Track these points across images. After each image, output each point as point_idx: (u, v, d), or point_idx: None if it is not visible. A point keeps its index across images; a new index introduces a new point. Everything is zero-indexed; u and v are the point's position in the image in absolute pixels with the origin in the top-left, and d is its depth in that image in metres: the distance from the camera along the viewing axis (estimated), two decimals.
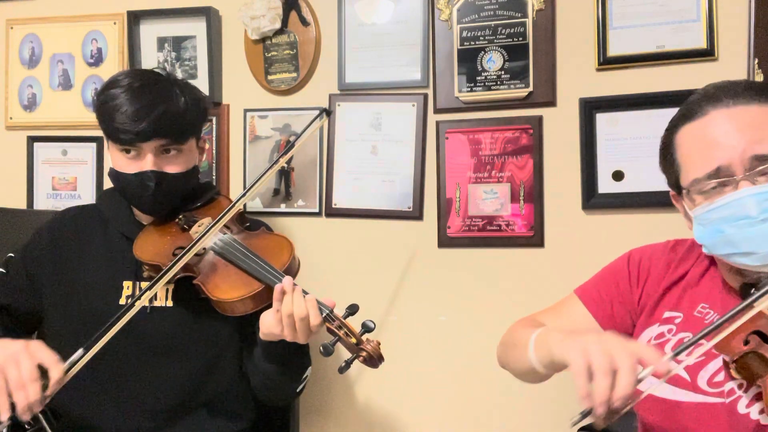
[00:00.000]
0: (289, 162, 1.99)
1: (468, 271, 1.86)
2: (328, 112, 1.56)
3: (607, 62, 1.75)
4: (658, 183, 1.66)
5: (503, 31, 1.81)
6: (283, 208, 2.00)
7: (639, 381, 0.93)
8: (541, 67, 1.79)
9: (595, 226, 1.77)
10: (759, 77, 1.63)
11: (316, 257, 1.95)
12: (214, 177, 2.03)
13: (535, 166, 1.80)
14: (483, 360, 1.77)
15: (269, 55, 1.99)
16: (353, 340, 1.24)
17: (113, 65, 2.12)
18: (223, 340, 1.50)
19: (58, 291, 1.51)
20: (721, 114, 1.07)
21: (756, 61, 1.63)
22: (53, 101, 2.19)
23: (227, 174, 2.04)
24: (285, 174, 1.99)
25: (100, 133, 2.05)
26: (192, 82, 1.98)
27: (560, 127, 1.79)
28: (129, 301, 1.47)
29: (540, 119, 1.80)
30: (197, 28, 2.03)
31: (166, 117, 1.42)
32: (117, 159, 1.47)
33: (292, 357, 1.40)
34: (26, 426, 1.61)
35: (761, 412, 1.03)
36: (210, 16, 2.01)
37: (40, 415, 1.58)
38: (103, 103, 1.45)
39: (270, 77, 1.99)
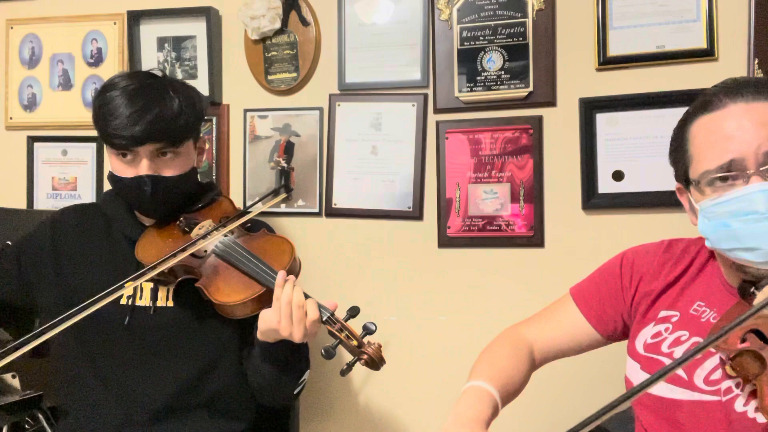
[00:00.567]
0: (289, 162, 1.99)
1: (468, 271, 1.86)
2: (288, 189, 1.60)
3: (607, 62, 1.75)
4: (658, 183, 1.69)
5: (503, 31, 1.81)
6: (283, 208, 2.00)
7: None
8: (541, 67, 1.79)
9: (595, 226, 1.77)
10: (759, 77, 1.63)
11: (316, 257, 1.95)
12: (214, 177, 2.03)
13: (535, 166, 1.80)
14: None
15: (269, 55, 1.99)
16: (354, 343, 1.24)
17: (113, 65, 2.12)
18: (223, 340, 1.49)
19: (58, 288, 1.50)
20: (739, 108, 1.06)
21: (756, 61, 1.63)
22: (53, 101, 2.19)
23: (227, 174, 2.04)
24: (285, 174, 1.99)
25: None
26: (192, 82, 1.99)
27: (560, 127, 1.79)
28: (130, 301, 1.48)
29: (540, 119, 1.80)
30: (197, 28, 2.03)
31: (160, 121, 1.41)
32: (114, 163, 1.46)
33: (290, 359, 1.40)
34: (26, 426, 1.61)
35: (757, 410, 1.03)
36: (210, 16, 2.01)
37: (40, 415, 1.59)
38: (99, 107, 1.45)
39: (270, 77, 1.99)
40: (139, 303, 1.47)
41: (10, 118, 2.22)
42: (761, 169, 1.03)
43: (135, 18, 2.08)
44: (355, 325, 1.27)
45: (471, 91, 1.83)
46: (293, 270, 1.41)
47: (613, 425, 1.50)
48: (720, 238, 1.08)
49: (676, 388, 1.11)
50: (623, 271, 1.26)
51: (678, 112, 1.20)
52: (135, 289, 1.49)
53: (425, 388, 1.90)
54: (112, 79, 1.49)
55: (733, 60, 1.66)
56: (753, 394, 1.03)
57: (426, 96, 1.88)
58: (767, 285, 1.00)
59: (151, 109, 1.40)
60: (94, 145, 2.14)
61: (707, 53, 1.68)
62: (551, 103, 1.80)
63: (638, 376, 1.18)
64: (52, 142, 2.18)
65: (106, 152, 1.51)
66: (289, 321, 1.26)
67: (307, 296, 1.28)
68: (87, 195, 2.15)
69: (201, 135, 1.59)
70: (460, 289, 1.87)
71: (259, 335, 1.34)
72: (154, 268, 1.33)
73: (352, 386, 1.97)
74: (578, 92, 1.77)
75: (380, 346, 1.26)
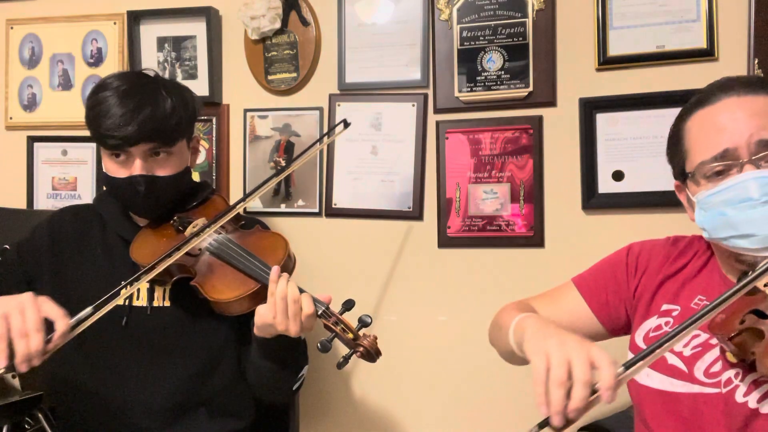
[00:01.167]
0: (289, 162, 1.99)
1: (468, 271, 1.86)
2: (346, 124, 1.59)
3: (607, 62, 1.75)
4: (658, 183, 1.69)
5: (503, 31, 1.81)
6: (283, 208, 2.00)
7: (593, 393, 0.92)
8: (541, 67, 1.79)
9: (595, 226, 1.77)
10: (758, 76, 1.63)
11: (316, 257, 1.95)
12: (214, 177, 2.04)
13: (535, 166, 1.80)
14: (483, 360, 1.76)
15: (269, 55, 1.99)
16: (350, 336, 1.25)
17: (113, 65, 2.12)
18: (221, 339, 1.50)
19: (57, 289, 1.50)
20: (732, 101, 1.11)
21: (756, 61, 1.63)
22: (53, 101, 2.19)
23: (227, 174, 2.05)
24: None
25: None
26: (192, 82, 2.00)
27: (560, 127, 1.79)
28: (127, 302, 1.47)
29: (540, 119, 1.80)
30: (197, 28, 2.03)
31: (152, 121, 1.40)
32: (107, 163, 1.46)
33: (288, 354, 1.40)
34: (26, 426, 1.61)
35: (760, 400, 1.03)
36: (210, 16, 2.01)
37: (40, 415, 1.58)
38: (91, 107, 1.44)
39: (270, 77, 1.99)
40: (136, 303, 1.47)
41: (10, 118, 2.22)
42: (754, 158, 1.06)
43: (135, 18, 2.08)
44: (351, 318, 1.28)
45: (471, 91, 1.83)
46: (287, 266, 1.41)
47: (614, 425, 1.50)
48: (716, 227, 1.10)
49: (676, 381, 1.12)
50: (629, 261, 1.28)
51: (677, 113, 1.22)
52: (133, 289, 1.49)
53: (425, 387, 1.90)
54: (104, 79, 1.48)
55: (733, 60, 1.67)
56: (754, 383, 1.04)
57: (426, 96, 1.88)
58: (763, 267, 1.00)
59: (143, 109, 1.40)
60: (94, 145, 2.14)
61: (707, 53, 1.68)
62: (551, 103, 1.80)
63: (640, 371, 1.18)
64: (52, 142, 2.18)
65: (101, 153, 1.51)
66: (285, 316, 1.26)
67: (302, 291, 1.28)
68: (87, 195, 2.15)
69: (194, 135, 1.58)
70: (460, 289, 1.87)
71: (256, 331, 1.35)
72: (153, 268, 1.33)
73: (351, 385, 1.97)
74: (578, 92, 1.77)
75: (376, 338, 1.26)
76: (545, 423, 0.94)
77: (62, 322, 1.18)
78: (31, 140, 2.20)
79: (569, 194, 1.78)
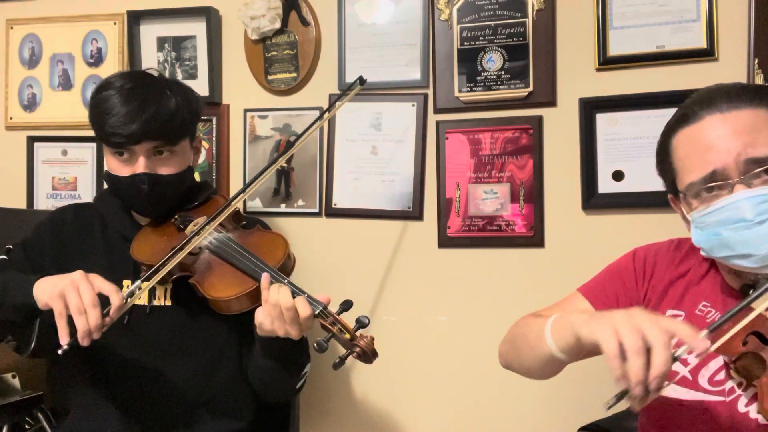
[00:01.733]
0: (289, 162, 1.99)
1: (468, 271, 1.86)
2: (362, 81, 1.54)
3: (607, 62, 1.75)
4: (658, 183, 1.66)
5: (503, 31, 1.81)
6: (283, 208, 2.00)
7: (675, 359, 0.90)
8: (541, 67, 1.79)
9: (595, 226, 1.77)
10: (759, 77, 1.63)
11: (316, 257, 1.95)
12: (214, 177, 2.04)
13: (535, 166, 1.80)
14: (483, 360, 1.77)
15: (269, 55, 1.99)
16: (347, 336, 1.24)
17: (113, 65, 2.12)
18: (222, 339, 1.50)
19: None
20: (716, 119, 1.07)
21: (756, 61, 1.63)
22: (53, 101, 2.19)
23: (227, 174, 2.04)
24: (285, 174, 1.99)
25: None
26: (192, 82, 2.00)
27: (560, 127, 1.79)
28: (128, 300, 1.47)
29: (540, 119, 1.80)
30: (197, 28, 2.03)
31: (157, 119, 1.41)
32: (111, 162, 1.47)
33: (290, 353, 1.40)
34: (26, 426, 1.61)
35: (758, 412, 1.03)
36: (210, 16, 2.01)
37: (40, 415, 1.58)
38: (95, 106, 1.45)
39: (270, 77, 1.99)
40: (137, 302, 1.47)
41: (10, 118, 2.22)
42: (743, 177, 1.04)
43: (135, 18, 2.08)
44: (349, 319, 1.27)
45: (471, 91, 1.83)
46: (287, 266, 1.41)
47: (615, 425, 1.50)
48: (713, 247, 1.09)
49: (680, 388, 1.12)
50: (636, 266, 1.26)
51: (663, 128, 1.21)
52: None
53: (425, 387, 1.90)
54: (108, 78, 1.49)
55: (733, 60, 1.66)
56: (756, 395, 1.04)
57: (426, 96, 1.88)
58: (765, 284, 1.00)
59: (147, 107, 1.41)
60: (94, 145, 2.14)
61: (707, 53, 1.68)
62: (551, 103, 1.80)
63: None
64: (52, 142, 2.18)
65: (104, 151, 1.51)
66: (282, 321, 1.26)
67: (298, 292, 1.28)
68: (87, 195, 2.15)
69: (197, 134, 1.59)
70: (459, 289, 1.87)
71: (258, 331, 1.35)
72: (159, 269, 1.33)
73: (352, 385, 1.97)
74: (578, 92, 1.77)
75: (373, 339, 1.25)
76: (623, 393, 0.90)
77: (116, 296, 1.23)
78: (31, 140, 2.20)
79: (569, 194, 1.78)
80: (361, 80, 1.55)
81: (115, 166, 1.46)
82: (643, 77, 1.73)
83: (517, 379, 1.29)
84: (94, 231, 1.55)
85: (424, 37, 1.88)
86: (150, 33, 2.08)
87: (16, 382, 1.68)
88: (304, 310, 1.25)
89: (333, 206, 1.95)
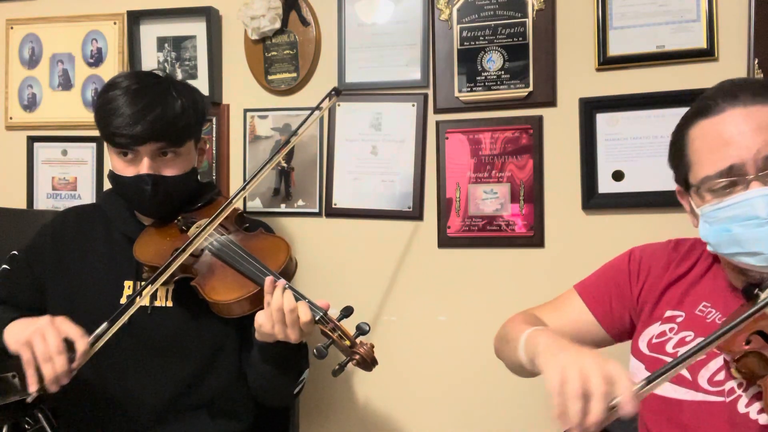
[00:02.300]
0: (289, 162, 1.99)
1: (468, 271, 1.86)
2: (338, 92, 1.55)
3: (607, 62, 1.75)
4: (658, 183, 1.69)
5: (503, 31, 1.81)
6: (283, 208, 2.00)
7: (611, 409, 0.91)
8: (541, 67, 1.79)
9: (595, 226, 1.77)
10: (759, 78, 1.63)
11: (316, 257, 1.95)
12: (214, 177, 2.03)
13: (535, 166, 1.80)
14: (482, 360, 1.77)
15: (269, 55, 1.99)
16: (347, 343, 1.24)
17: (113, 65, 2.12)
18: (222, 340, 1.50)
19: (61, 290, 1.51)
20: (738, 113, 1.06)
21: (756, 61, 1.63)
22: (53, 101, 2.19)
23: (227, 174, 2.04)
24: (285, 174, 1.99)
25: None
26: (192, 82, 1.99)
27: (560, 127, 1.79)
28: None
29: (540, 119, 1.80)
30: (197, 28, 2.03)
31: (162, 120, 1.41)
32: (115, 162, 1.47)
33: (289, 359, 1.40)
34: (26, 426, 1.61)
35: (760, 411, 1.03)
36: (210, 16, 2.01)
37: (40, 415, 1.58)
38: (101, 106, 1.45)
39: (270, 77, 1.99)
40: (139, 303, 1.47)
41: (10, 118, 2.22)
42: (761, 174, 1.03)
43: (135, 18, 2.08)
44: (349, 326, 1.27)
45: (471, 91, 1.83)
46: (289, 270, 1.41)
47: (615, 425, 1.50)
48: (722, 243, 1.08)
49: (679, 388, 1.11)
50: (631, 267, 1.26)
51: (678, 112, 1.21)
52: (135, 288, 1.49)
53: (425, 387, 1.90)
54: (114, 78, 1.49)
55: (733, 60, 1.67)
56: (756, 396, 1.04)
57: (426, 96, 1.88)
58: None
59: (153, 108, 1.41)
60: (94, 145, 2.14)
61: (707, 53, 1.68)
62: (551, 103, 1.80)
63: (642, 377, 1.18)
64: (52, 142, 2.18)
65: (107, 151, 1.51)
66: (283, 325, 1.26)
67: (300, 296, 1.28)
68: (87, 195, 2.15)
69: (202, 136, 1.59)
70: (459, 289, 1.87)
71: (257, 336, 1.35)
72: (165, 270, 1.33)
73: (351, 386, 1.97)
74: (578, 92, 1.77)
75: (373, 346, 1.25)
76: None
77: (82, 341, 1.24)
78: (31, 140, 2.20)
79: (569, 194, 1.78)
80: (337, 91, 1.56)
81: (120, 166, 1.46)
82: (643, 77, 1.73)
83: (517, 378, 1.29)
84: (96, 232, 1.55)
85: (424, 37, 1.88)
86: (150, 33, 2.08)
87: (16, 382, 1.68)
88: (305, 314, 1.25)
89: (333, 206, 1.95)
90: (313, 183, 1.97)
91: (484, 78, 1.82)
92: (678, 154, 1.15)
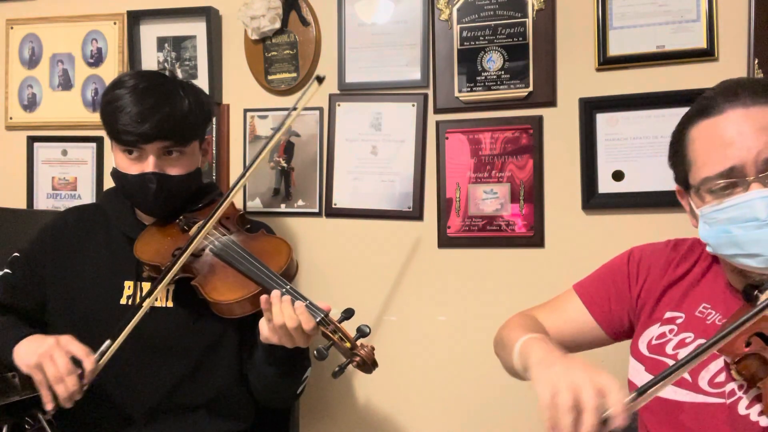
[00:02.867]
0: (289, 162, 1.99)
1: (468, 271, 1.86)
2: (320, 79, 1.52)
3: (607, 62, 1.75)
4: (658, 183, 1.69)
5: (503, 31, 1.81)
6: (283, 208, 2.00)
7: (603, 421, 0.91)
8: (541, 67, 1.79)
9: (595, 226, 1.77)
10: (759, 77, 1.63)
11: (316, 257, 1.95)
12: (214, 177, 2.03)
13: (535, 166, 1.80)
14: (482, 360, 1.77)
15: (269, 55, 1.99)
16: (348, 345, 1.24)
17: (113, 65, 2.12)
18: (222, 341, 1.49)
19: (61, 290, 1.51)
20: (738, 113, 1.05)
21: (756, 61, 1.63)
22: (53, 101, 2.19)
23: (227, 174, 2.04)
24: (285, 174, 1.99)
25: (100, 133, 2.07)
26: (192, 82, 1.99)
27: (560, 127, 1.79)
28: (129, 301, 1.48)
29: (540, 119, 1.80)
30: (197, 28, 2.03)
31: (170, 119, 1.42)
32: (119, 159, 1.47)
33: (293, 359, 1.40)
34: (26, 426, 1.61)
35: (761, 413, 1.03)
36: (210, 16, 2.01)
37: (40, 415, 1.58)
38: (108, 103, 1.45)
39: (270, 77, 1.99)
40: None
41: (10, 118, 2.22)
42: (761, 175, 1.02)
43: (135, 18, 2.08)
44: (350, 328, 1.27)
45: (471, 91, 1.83)
46: (290, 271, 1.41)
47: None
48: (721, 244, 1.08)
49: (680, 390, 1.11)
50: (630, 268, 1.26)
51: (678, 112, 1.21)
52: (135, 288, 1.49)
53: (425, 387, 1.90)
54: (120, 76, 1.50)
55: (733, 60, 1.66)
56: (757, 397, 1.04)
57: (426, 96, 1.88)
58: None
59: (161, 107, 1.41)
60: (94, 145, 2.14)
61: (707, 53, 1.68)
62: (551, 103, 1.80)
63: (642, 378, 1.17)
64: (52, 142, 2.18)
65: (111, 149, 1.52)
66: (289, 338, 1.28)
67: (299, 296, 1.28)
68: (87, 195, 2.15)
69: (207, 136, 1.59)
70: (459, 289, 1.87)
71: (262, 338, 1.34)
72: (168, 271, 1.34)
73: (352, 387, 1.97)
74: (578, 92, 1.77)
75: (373, 348, 1.25)
76: None
77: (88, 361, 1.30)
78: (31, 140, 2.20)
79: (569, 194, 1.78)
80: (318, 78, 1.52)
81: (124, 164, 1.46)
82: (643, 77, 1.73)
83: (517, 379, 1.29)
84: (96, 231, 1.55)
85: (424, 37, 1.88)
86: (150, 33, 2.08)
87: (16, 382, 1.68)
88: (307, 322, 1.25)
89: (333, 206, 1.95)
90: (313, 183, 1.97)
91: (484, 78, 1.82)
92: (678, 155, 1.15)
